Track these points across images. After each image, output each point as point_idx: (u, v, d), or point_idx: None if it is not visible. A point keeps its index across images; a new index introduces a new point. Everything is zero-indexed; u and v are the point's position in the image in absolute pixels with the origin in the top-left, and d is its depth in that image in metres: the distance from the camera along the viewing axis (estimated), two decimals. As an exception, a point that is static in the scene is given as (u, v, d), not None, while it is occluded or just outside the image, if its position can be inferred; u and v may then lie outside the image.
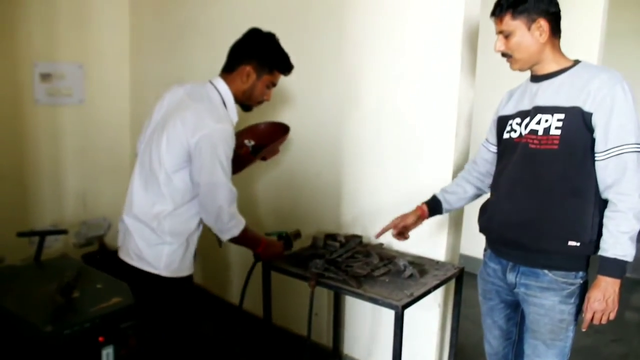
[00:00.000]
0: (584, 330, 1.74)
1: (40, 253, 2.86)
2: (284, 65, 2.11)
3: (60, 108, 3.77)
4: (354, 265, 2.27)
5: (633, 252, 1.67)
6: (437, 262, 2.40)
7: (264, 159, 2.58)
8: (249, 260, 2.37)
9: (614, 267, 1.67)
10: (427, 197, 2.35)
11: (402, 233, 2.23)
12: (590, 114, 1.66)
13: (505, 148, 1.89)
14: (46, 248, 3.69)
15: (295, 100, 2.99)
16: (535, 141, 1.74)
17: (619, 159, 1.65)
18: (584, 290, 1.79)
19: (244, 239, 2.10)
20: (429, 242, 2.50)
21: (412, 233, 2.52)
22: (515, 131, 1.84)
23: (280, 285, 2.38)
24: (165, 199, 1.98)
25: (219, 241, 2.16)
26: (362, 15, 2.62)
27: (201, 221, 2.07)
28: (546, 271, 1.79)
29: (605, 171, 1.67)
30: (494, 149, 2.03)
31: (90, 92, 3.92)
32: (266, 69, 2.06)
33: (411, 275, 2.19)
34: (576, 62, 1.79)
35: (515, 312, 2.02)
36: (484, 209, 1.98)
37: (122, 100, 4.11)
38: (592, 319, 1.71)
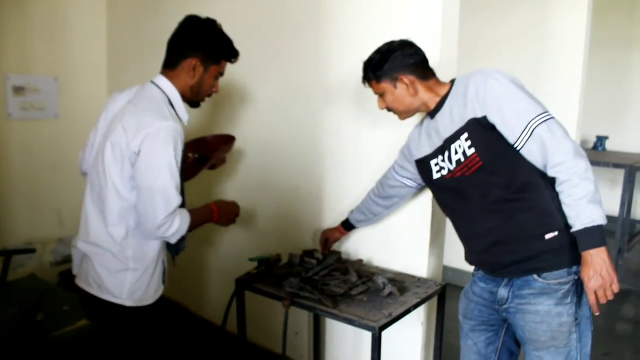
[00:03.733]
0: (596, 314, 1.65)
1: (6, 273, 2.76)
2: (230, 52, 1.96)
3: (34, 122, 3.67)
4: (330, 283, 2.18)
5: (601, 212, 1.58)
6: (419, 279, 2.31)
7: (213, 167, 2.53)
8: (230, 278, 2.26)
9: (590, 237, 1.59)
10: (412, 208, 2.39)
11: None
12: (485, 117, 1.68)
13: (440, 186, 1.91)
14: (20, 267, 3.62)
15: (271, 108, 2.90)
16: (465, 169, 1.76)
17: (533, 137, 1.63)
18: (580, 286, 1.70)
19: (193, 226, 1.89)
20: (410, 257, 2.41)
21: (393, 248, 2.46)
22: (444, 168, 1.85)
23: (261, 302, 2.28)
24: (120, 219, 1.82)
25: (172, 258, 2.04)
26: (341, 18, 2.54)
27: None
28: (536, 276, 1.72)
29: (531, 155, 1.66)
30: (410, 182, 2.15)
31: (66, 106, 3.82)
32: (212, 60, 1.91)
33: (390, 294, 2.10)
34: (452, 81, 1.85)
35: (496, 336, 1.94)
36: (462, 242, 1.94)
37: (99, 114, 3.99)
38: (596, 300, 1.61)
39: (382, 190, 2.24)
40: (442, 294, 2.25)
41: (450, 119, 1.77)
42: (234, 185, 3.12)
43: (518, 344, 1.95)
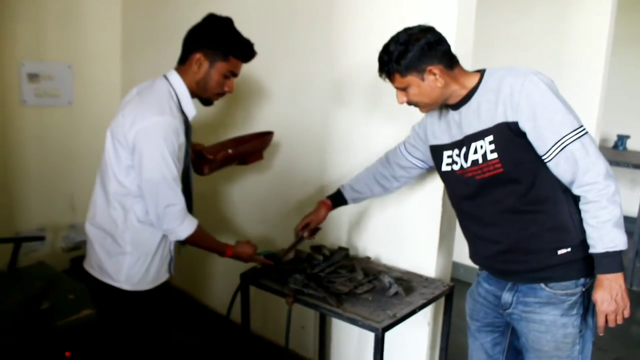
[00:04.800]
0: (600, 334, 1.61)
1: (16, 260, 2.78)
2: (240, 49, 1.91)
3: (48, 109, 3.68)
4: (336, 281, 2.14)
5: (624, 238, 1.54)
6: (426, 279, 2.27)
7: (245, 162, 2.55)
8: (238, 271, 2.26)
9: (610, 261, 1.54)
10: (422, 205, 2.32)
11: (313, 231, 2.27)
12: (516, 123, 1.57)
13: (449, 179, 1.83)
14: (33, 252, 3.65)
15: (281, 103, 2.87)
16: (479, 171, 1.67)
17: (564, 153, 1.55)
18: (587, 298, 1.66)
19: (200, 241, 1.96)
20: (418, 256, 2.37)
21: (402, 246, 2.42)
22: (456, 163, 1.76)
23: (269, 294, 2.26)
24: (119, 204, 1.86)
25: (179, 247, 2.05)
26: (352, 14, 2.49)
27: None
28: (543, 285, 1.67)
29: (559, 169, 1.57)
30: (421, 164, 2.05)
31: (80, 93, 3.82)
32: (219, 55, 1.88)
33: (396, 294, 2.06)
34: (482, 73, 1.70)
35: (503, 337, 1.90)
36: (468, 243, 1.89)
37: (113, 101, 3.97)
38: (606, 322, 1.58)
39: (390, 170, 2.12)
40: (450, 295, 2.21)
41: (477, 115, 1.65)
42: (243, 180, 3.10)
43: None
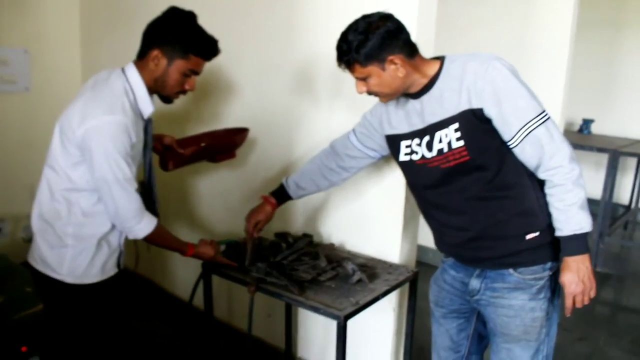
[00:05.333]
0: (567, 315, 1.64)
1: (-33, 252, 2.68)
2: (202, 47, 1.82)
3: (3, 96, 3.55)
4: (299, 268, 2.12)
5: (589, 220, 1.56)
6: (390, 265, 2.25)
7: (215, 159, 2.46)
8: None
9: (576, 243, 1.57)
10: (384, 192, 2.29)
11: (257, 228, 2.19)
12: (481, 109, 1.55)
13: (409, 169, 1.80)
14: (-3, 243, 3.55)
15: (243, 92, 2.81)
16: (444, 160, 1.64)
17: (530, 138, 1.54)
18: (553, 281, 1.68)
19: (160, 240, 1.94)
20: (383, 242, 2.36)
21: (366, 232, 2.40)
22: (416, 153, 1.72)
23: (236, 284, 2.22)
24: (64, 198, 1.81)
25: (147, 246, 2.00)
26: None
27: None
28: (512, 270, 1.67)
29: (525, 154, 1.57)
30: (373, 154, 1.99)
31: (37, 80, 3.69)
32: (178, 53, 1.79)
33: (359, 281, 2.04)
34: (441, 60, 1.66)
35: (468, 323, 1.90)
36: (431, 230, 1.87)
37: (73, 88, 3.85)
38: (573, 303, 1.60)
39: (338, 160, 2.04)
40: (414, 280, 2.20)
41: (440, 104, 1.61)
42: (207, 166, 3.04)
43: None
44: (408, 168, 1.79)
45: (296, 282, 1.99)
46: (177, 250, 2.01)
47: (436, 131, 1.64)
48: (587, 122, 5.44)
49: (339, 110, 2.40)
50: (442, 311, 1.93)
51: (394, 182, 2.27)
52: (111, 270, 1.94)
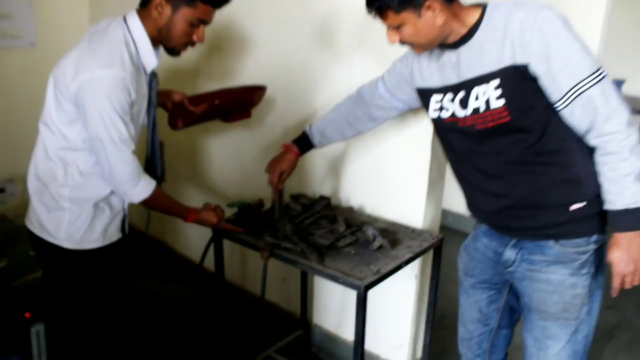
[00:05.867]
0: (613, 296, 1.46)
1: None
2: None
3: (7, 51, 3.40)
4: (316, 233, 1.98)
5: None
6: (413, 230, 2.11)
7: (227, 119, 2.31)
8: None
9: (630, 218, 1.38)
10: (409, 150, 2.14)
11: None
12: (526, 65, 1.36)
13: (439, 127, 1.64)
14: (1, 204, 3.46)
15: (258, 47, 2.63)
16: (480, 120, 1.46)
17: (581, 99, 1.35)
18: (598, 256, 1.52)
19: (159, 205, 1.80)
20: (405, 206, 2.21)
21: (387, 195, 2.26)
22: (446, 110, 1.55)
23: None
24: (59, 158, 1.67)
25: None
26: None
27: None
28: (552, 242, 1.51)
29: (574, 117, 1.38)
30: (402, 106, 1.83)
31: (43, 35, 3.53)
32: (183, 0, 1.62)
33: (380, 247, 1.91)
34: (483, 7, 1.46)
35: (499, 294, 1.76)
36: (463, 192, 1.70)
37: (80, 43, 3.73)
38: (622, 284, 1.44)
39: (365, 110, 1.90)
40: (439, 247, 2.06)
41: (480, 57, 1.42)
42: (218, 124, 2.90)
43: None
44: (438, 125, 1.63)
45: (313, 247, 1.86)
46: (178, 215, 1.87)
47: (473, 87, 1.46)
48: (618, 83, 5.18)
49: (361, 64, 2.22)
50: (472, 281, 1.79)
51: (418, 137, 2.11)
52: (114, 236, 1.82)
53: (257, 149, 2.72)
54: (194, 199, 3.17)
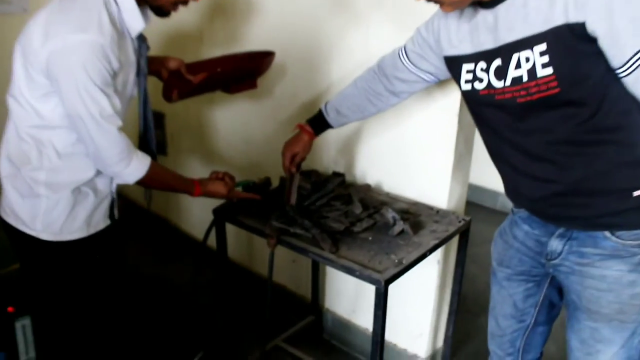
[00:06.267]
0: None
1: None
2: None
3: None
4: (329, 216, 1.77)
5: None
6: (437, 212, 1.89)
7: (229, 90, 2.06)
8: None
9: None
10: (433, 121, 1.91)
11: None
12: (582, 24, 1.10)
13: (473, 102, 1.39)
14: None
15: (266, 9, 2.36)
16: (523, 92, 1.22)
17: None
18: None
19: (157, 183, 1.61)
20: (428, 183, 1.99)
21: (408, 171, 2.04)
22: (481, 80, 1.31)
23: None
24: (33, 138, 1.46)
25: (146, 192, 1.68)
26: None
27: None
28: (608, 233, 1.27)
29: (638, 86, 1.14)
30: (429, 77, 1.59)
31: (36, 0, 3.30)
32: None
33: (402, 232, 1.70)
34: None
35: (538, 288, 1.54)
36: (501, 176, 1.47)
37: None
38: None
39: (387, 84, 1.66)
40: (465, 231, 1.84)
41: (523, 16, 1.18)
42: (226, 95, 2.67)
43: (562, 295, 1.55)
44: (471, 99, 1.39)
45: (326, 233, 1.65)
46: (181, 191, 1.68)
47: (513, 53, 1.21)
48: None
49: (379, 27, 1.96)
50: (507, 272, 1.57)
51: (444, 107, 1.87)
52: (100, 223, 1.60)
53: (264, 121, 2.50)
54: (198, 174, 2.97)
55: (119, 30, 1.40)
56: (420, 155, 1.99)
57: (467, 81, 1.35)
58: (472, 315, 2.64)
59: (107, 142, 1.40)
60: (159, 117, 3.02)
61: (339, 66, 2.13)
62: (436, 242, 1.67)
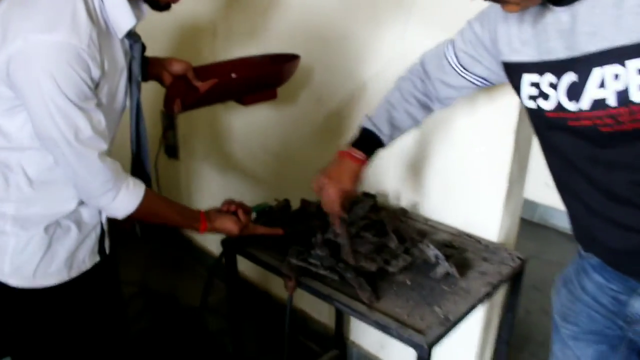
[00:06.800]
0: None
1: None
2: None
3: None
4: (359, 250, 1.49)
5: None
6: (487, 246, 1.60)
7: (242, 100, 1.76)
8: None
9: None
10: (481, 135, 1.61)
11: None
12: None
13: (539, 122, 1.11)
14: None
15: (289, 3, 2.09)
16: (609, 120, 0.93)
17: None
18: None
19: (154, 217, 1.32)
20: (473, 210, 1.70)
21: (451, 195, 1.75)
22: (547, 98, 1.02)
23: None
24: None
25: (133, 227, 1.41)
26: None
27: None
28: None
29: None
30: (481, 83, 1.28)
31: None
32: None
33: (447, 275, 1.41)
34: None
35: (613, 352, 1.24)
36: (570, 213, 1.17)
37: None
38: None
39: (430, 87, 1.36)
40: (520, 272, 1.55)
41: (616, 18, 0.88)
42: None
43: None
44: (536, 119, 1.10)
45: (358, 274, 1.37)
46: (184, 226, 1.39)
47: (594, 67, 0.92)
48: None
49: (417, 22, 1.67)
50: (574, 330, 1.27)
51: (496, 119, 1.57)
52: (86, 262, 1.32)
53: (285, 129, 2.22)
54: (212, 181, 2.71)
55: (101, 28, 1.13)
56: (466, 177, 1.70)
57: (530, 97, 1.06)
58: (513, 349, 2.35)
59: (86, 170, 1.14)
60: (171, 117, 2.77)
61: (371, 69, 1.83)
62: (488, 289, 1.38)
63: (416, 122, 1.43)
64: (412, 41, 1.67)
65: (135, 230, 1.48)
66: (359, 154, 1.38)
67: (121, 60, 1.22)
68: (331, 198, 1.38)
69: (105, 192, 1.17)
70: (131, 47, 1.25)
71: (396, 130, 1.41)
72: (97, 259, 1.35)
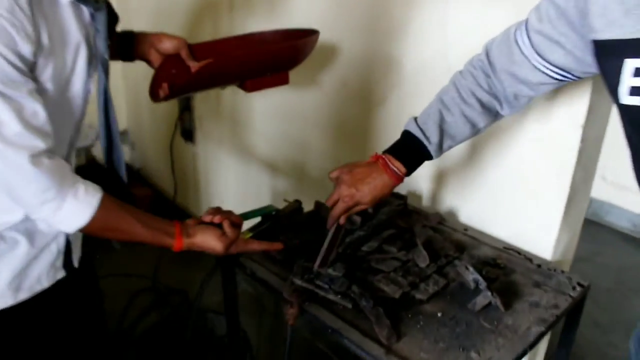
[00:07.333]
0: None
1: None
2: None
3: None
4: (381, 268, 1.22)
5: None
6: (539, 266, 1.30)
7: (246, 86, 1.44)
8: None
9: None
10: (538, 135, 1.32)
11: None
12: None
13: (633, 119, 0.83)
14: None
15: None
16: None
17: None
18: None
19: (112, 232, 1.04)
20: (525, 221, 1.40)
21: (499, 202, 1.46)
22: None
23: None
24: None
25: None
26: None
27: None
28: None
29: None
30: (563, 76, 0.98)
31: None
32: None
33: (489, 305, 1.13)
34: None
35: None
36: None
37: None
38: None
39: (494, 82, 1.07)
40: (580, 302, 1.24)
41: None
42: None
43: None
44: (638, 122, 0.81)
45: (376, 303, 1.10)
46: (152, 243, 1.09)
47: None
48: None
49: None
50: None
51: (559, 118, 1.27)
52: (42, 281, 1.07)
53: (307, 116, 1.95)
54: (229, 170, 2.48)
55: None
56: (519, 177, 1.40)
57: (634, 90, 0.77)
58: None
59: (15, 176, 0.88)
60: (187, 98, 2.55)
61: (414, 54, 1.54)
62: (541, 329, 1.08)
63: (475, 130, 1.14)
64: (455, 20, 1.38)
65: (112, 243, 1.21)
66: (398, 167, 1.14)
67: (75, 34, 0.95)
68: (341, 202, 1.16)
69: (43, 202, 0.91)
70: (93, 17, 0.99)
71: (448, 138, 1.13)
72: (60, 275, 1.10)
